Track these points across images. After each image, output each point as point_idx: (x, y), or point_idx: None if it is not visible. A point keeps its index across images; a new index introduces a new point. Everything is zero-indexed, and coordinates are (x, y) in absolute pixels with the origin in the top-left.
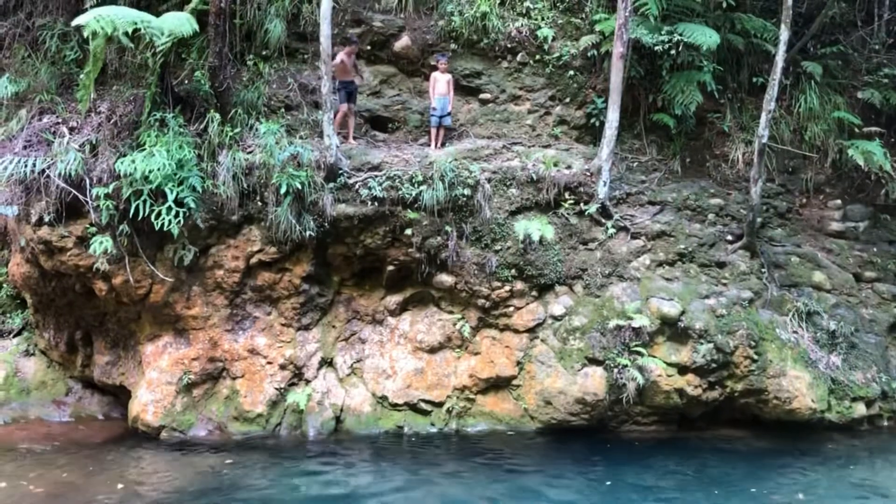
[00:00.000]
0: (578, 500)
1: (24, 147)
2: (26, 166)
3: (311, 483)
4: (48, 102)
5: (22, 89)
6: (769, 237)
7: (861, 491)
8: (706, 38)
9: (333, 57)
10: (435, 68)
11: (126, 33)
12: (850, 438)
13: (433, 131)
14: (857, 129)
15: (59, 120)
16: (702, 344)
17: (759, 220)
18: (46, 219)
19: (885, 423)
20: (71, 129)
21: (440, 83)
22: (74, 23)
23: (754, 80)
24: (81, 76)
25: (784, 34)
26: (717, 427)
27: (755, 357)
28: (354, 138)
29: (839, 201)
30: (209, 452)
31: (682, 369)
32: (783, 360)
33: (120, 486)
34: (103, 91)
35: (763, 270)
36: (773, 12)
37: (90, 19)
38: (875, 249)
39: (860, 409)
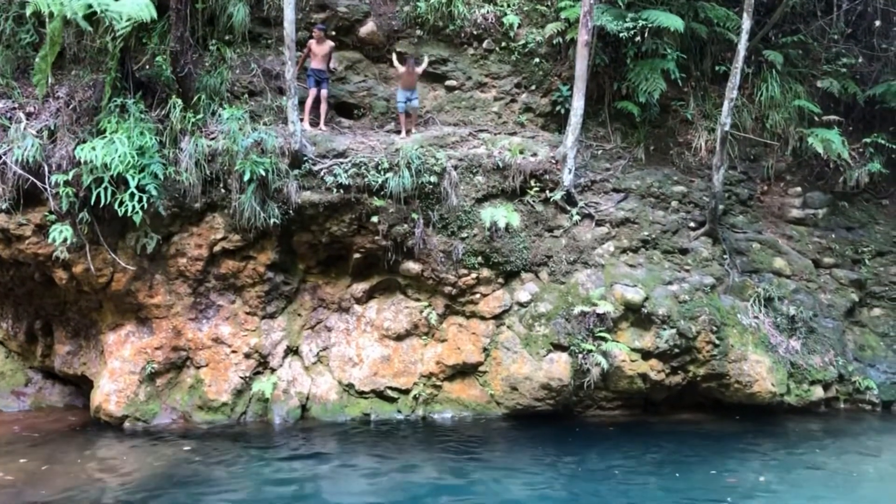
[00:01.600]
0: (543, 482)
1: None
2: None
3: (276, 470)
4: (4, 87)
5: None
6: (731, 224)
7: (818, 472)
8: (671, 21)
9: (298, 43)
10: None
11: (84, 16)
12: (809, 421)
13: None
14: (816, 118)
15: (16, 105)
16: (665, 329)
17: (721, 207)
18: (3, 206)
19: (842, 406)
20: (28, 115)
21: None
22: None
23: (717, 68)
24: (38, 60)
25: (746, 23)
26: (681, 411)
27: (717, 342)
28: (315, 124)
29: (799, 188)
30: (173, 441)
31: (646, 354)
32: (744, 345)
33: (83, 475)
34: (61, 76)
35: (725, 257)
36: (736, 1)
37: None
38: (833, 236)
39: (818, 392)
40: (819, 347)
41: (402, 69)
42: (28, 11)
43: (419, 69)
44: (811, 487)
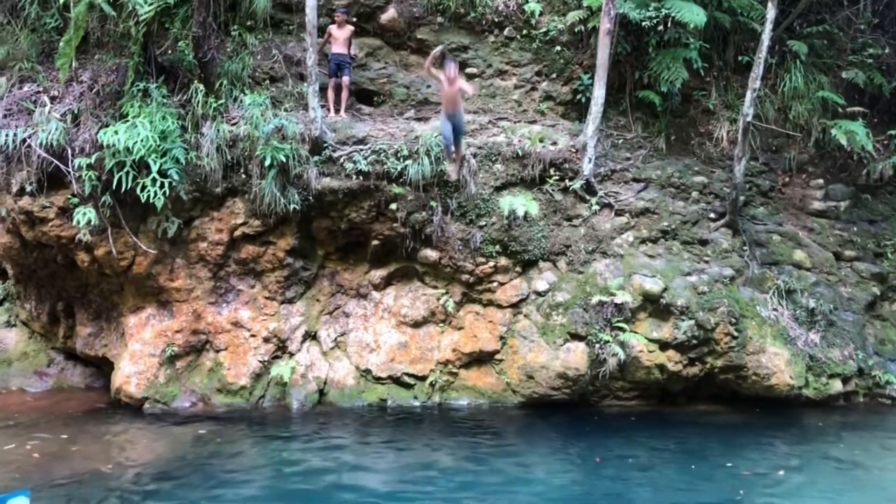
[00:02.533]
0: (558, 471)
1: (5, 116)
2: (7, 136)
3: (293, 454)
4: (29, 71)
5: (1, 57)
6: (751, 215)
7: (836, 465)
8: (693, 15)
9: (320, 29)
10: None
11: (109, 1)
12: (827, 414)
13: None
14: (840, 109)
15: (40, 89)
16: (683, 320)
17: (741, 198)
18: (28, 189)
19: (861, 400)
20: (52, 99)
21: None
22: None
23: (740, 58)
24: (62, 44)
25: (771, 12)
26: (697, 402)
27: (735, 334)
28: (337, 111)
29: (821, 181)
30: (192, 424)
31: (664, 345)
32: (763, 337)
33: (104, 455)
34: (85, 60)
35: (745, 248)
36: None
37: None
38: (855, 229)
39: (837, 386)
40: (839, 341)
41: (442, 77)
42: None
43: (463, 83)
44: (829, 481)
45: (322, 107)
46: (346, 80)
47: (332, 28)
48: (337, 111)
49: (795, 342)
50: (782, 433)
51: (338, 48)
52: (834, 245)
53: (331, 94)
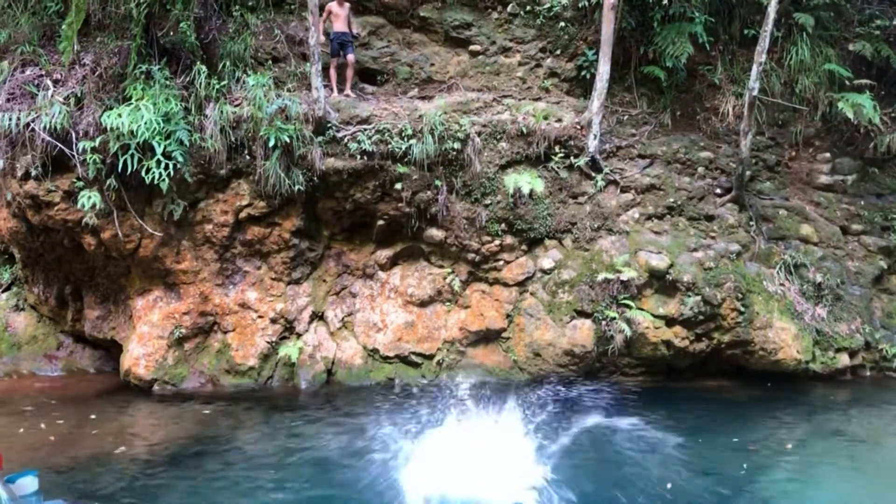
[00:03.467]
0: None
1: (8, 100)
2: (10, 119)
3: (303, 433)
4: (30, 54)
5: (3, 41)
6: (758, 190)
7: (843, 439)
8: None
9: (321, 8)
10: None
11: None
12: (834, 389)
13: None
14: (847, 82)
15: (43, 72)
16: (689, 296)
17: (748, 173)
18: (33, 173)
19: (868, 374)
20: (55, 82)
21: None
22: None
23: (746, 31)
24: (64, 27)
25: None
26: (705, 378)
27: (742, 309)
28: (340, 91)
29: (828, 154)
30: (202, 404)
31: (670, 321)
32: (769, 312)
33: (115, 436)
34: (87, 43)
35: (751, 223)
36: None
37: None
38: (862, 202)
39: (844, 360)
40: (846, 315)
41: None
42: None
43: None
44: (836, 455)
45: (325, 86)
46: (350, 58)
47: (333, 5)
48: (341, 90)
49: (802, 317)
50: (790, 408)
51: (339, 26)
52: (841, 219)
53: (333, 73)
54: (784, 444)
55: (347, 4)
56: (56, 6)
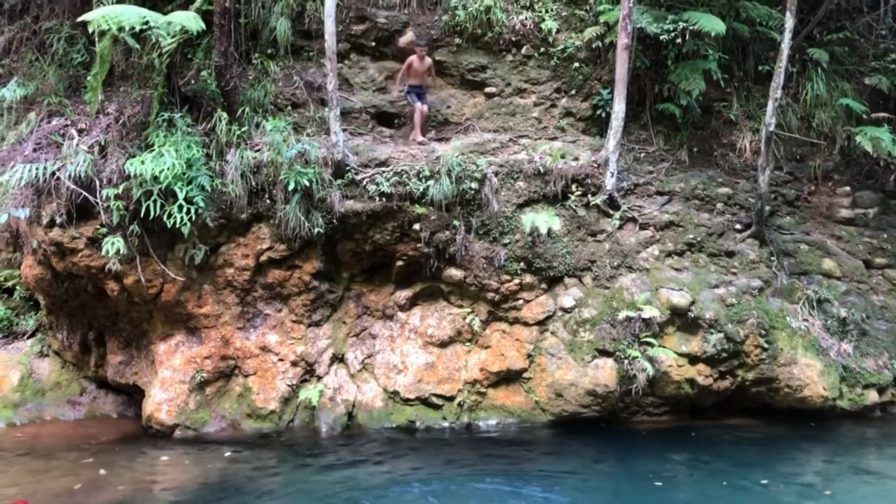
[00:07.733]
0: (591, 489)
1: (34, 150)
2: (37, 169)
3: (325, 478)
4: (57, 105)
5: (30, 92)
6: (778, 225)
7: (874, 478)
8: (713, 24)
9: (339, 55)
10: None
11: (133, 34)
12: (863, 426)
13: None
14: (864, 116)
15: (68, 122)
16: (712, 333)
17: (767, 208)
18: (58, 220)
19: None
20: (80, 131)
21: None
22: (80, 19)
23: (760, 68)
24: (89, 78)
25: (789, 21)
26: (729, 416)
27: (766, 346)
28: (360, 135)
29: (848, 188)
30: (223, 449)
31: (693, 359)
32: (794, 349)
33: (138, 482)
34: (111, 92)
35: (772, 259)
36: (778, 0)
37: (96, 16)
38: (885, 236)
39: (872, 396)
40: (872, 350)
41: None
42: (91, 29)
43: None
44: (866, 496)
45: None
46: (424, 108)
47: (413, 60)
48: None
49: (827, 353)
50: (817, 446)
51: (415, 80)
52: (864, 253)
53: (417, 120)
54: (812, 483)
55: (428, 60)
56: (81, 58)
